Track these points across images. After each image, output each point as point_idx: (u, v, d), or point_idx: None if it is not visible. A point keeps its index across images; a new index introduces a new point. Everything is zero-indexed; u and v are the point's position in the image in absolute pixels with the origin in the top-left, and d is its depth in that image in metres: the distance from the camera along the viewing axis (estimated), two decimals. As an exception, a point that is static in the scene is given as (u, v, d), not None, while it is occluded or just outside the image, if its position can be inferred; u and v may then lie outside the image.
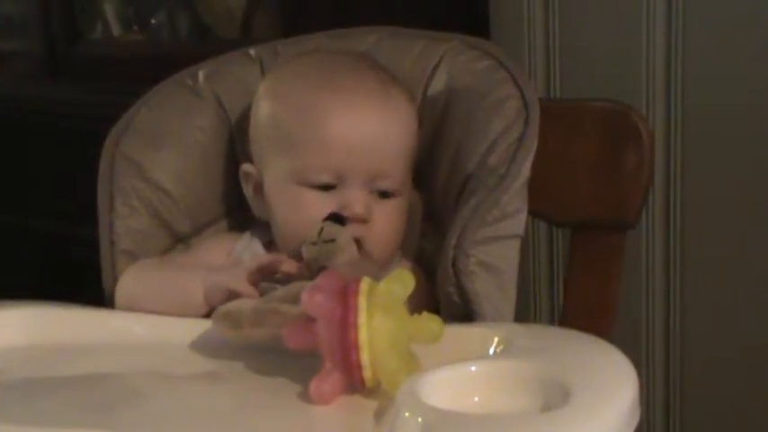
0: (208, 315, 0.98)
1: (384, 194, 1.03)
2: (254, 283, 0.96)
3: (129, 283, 1.05)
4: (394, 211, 1.04)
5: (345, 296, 0.80)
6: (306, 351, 0.83)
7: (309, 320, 0.82)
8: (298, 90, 1.05)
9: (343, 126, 1.01)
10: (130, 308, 1.03)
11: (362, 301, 0.79)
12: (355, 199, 1.01)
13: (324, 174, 1.02)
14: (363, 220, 1.01)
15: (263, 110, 1.07)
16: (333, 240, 0.97)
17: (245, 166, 1.09)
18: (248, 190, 1.09)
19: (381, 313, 0.80)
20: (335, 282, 0.82)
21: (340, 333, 0.79)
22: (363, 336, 0.79)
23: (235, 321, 0.90)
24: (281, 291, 0.90)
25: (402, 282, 0.81)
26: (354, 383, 0.81)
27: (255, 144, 1.08)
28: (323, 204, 1.01)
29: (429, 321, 0.82)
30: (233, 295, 0.95)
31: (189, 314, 0.99)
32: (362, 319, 0.79)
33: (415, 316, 0.82)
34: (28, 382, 0.90)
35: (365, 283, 0.81)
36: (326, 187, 1.02)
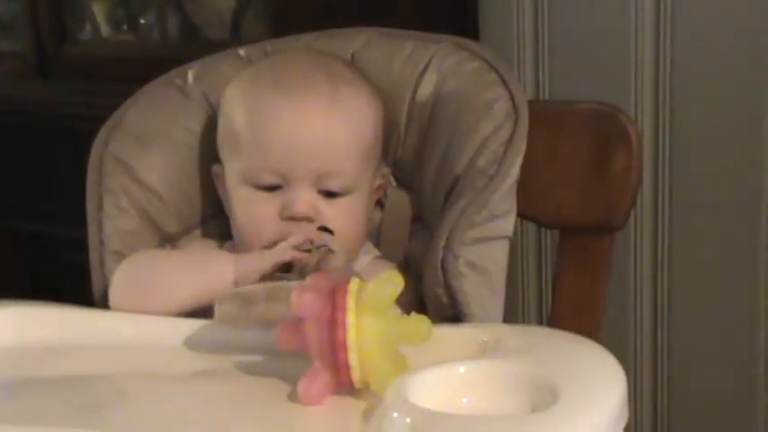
0: (192, 314, 0.98)
1: (333, 194, 1.03)
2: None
3: (130, 267, 1.03)
4: (345, 210, 1.03)
5: (334, 295, 0.80)
6: (295, 351, 0.83)
7: (299, 321, 0.82)
8: (248, 92, 1.05)
9: (285, 126, 1.01)
10: (132, 289, 1.01)
11: (351, 301, 0.79)
12: (297, 198, 1.01)
13: (267, 174, 1.02)
14: (308, 220, 1.01)
15: (222, 113, 1.08)
16: (326, 246, 0.98)
17: (215, 167, 1.09)
18: (220, 189, 1.10)
19: (370, 313, 0.80)
20: (325, 281, 0.82)
21: (328, 333, 0.79)
22: (352, 336, 0.79)
23: (246, 299, 0.90)
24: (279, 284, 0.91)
25: (391, 282, 0.81)
26: (343, 384, 0.81)
27: (219, 147, 1.08)
28: (268, 205, 1.02)
29: (418, 322, 0.82)
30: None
31: (212, 294, 0.95)
32: (351, 318, 0.79)
33: (404, 316, 0.82)
34: (16, 381, 0.90)
35: (354, 283, 0.81)
36: (273, 188, 1.02)
